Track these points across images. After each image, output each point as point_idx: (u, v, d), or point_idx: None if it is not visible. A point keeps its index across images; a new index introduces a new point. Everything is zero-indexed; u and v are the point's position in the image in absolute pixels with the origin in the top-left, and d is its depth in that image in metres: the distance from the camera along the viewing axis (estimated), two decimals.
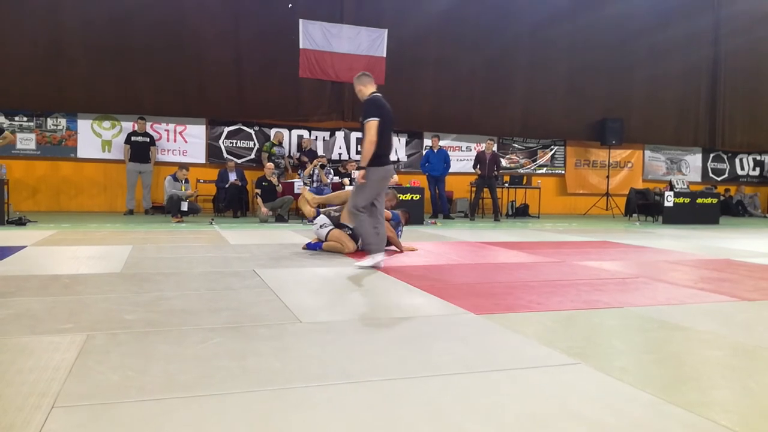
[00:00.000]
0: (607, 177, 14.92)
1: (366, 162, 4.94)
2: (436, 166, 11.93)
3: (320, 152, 12.44)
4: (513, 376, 2.30)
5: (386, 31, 12.54)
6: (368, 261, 5.03)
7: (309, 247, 6.14)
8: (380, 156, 4.95)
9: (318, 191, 10.24)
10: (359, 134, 13.25)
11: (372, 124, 4.88)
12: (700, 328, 3.15)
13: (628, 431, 1.81)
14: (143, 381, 2.15)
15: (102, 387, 2.08)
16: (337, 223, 6.05)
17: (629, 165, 15.65)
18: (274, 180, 10.46)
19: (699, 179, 16.12)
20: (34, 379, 2.14)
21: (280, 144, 12.18)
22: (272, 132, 12.49)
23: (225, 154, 12.37)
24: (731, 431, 1.81)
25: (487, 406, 1.98)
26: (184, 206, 9.75)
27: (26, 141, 11.35)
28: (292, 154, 12.58)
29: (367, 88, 5.17)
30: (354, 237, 5.95)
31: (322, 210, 6.22)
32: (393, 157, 13.15)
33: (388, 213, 5.97)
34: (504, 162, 14.00)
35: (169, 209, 9.86)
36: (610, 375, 2.32)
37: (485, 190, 12.03)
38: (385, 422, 1.84)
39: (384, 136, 4.95)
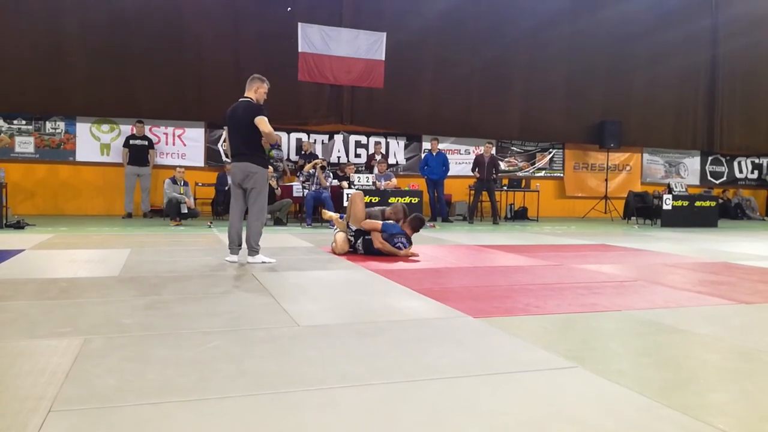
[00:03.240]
0: (606, 180, 14.93)
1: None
2: (435, 169, 11.93)
3: (319, 156, 12.42)
4: (511, 380, 2.30)
5: (385, 34, 12.53)
6: (228, 257, 5.44)
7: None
8: (231, 155, 5.46)
9: (317, 194, 10.23)
10: (358, 137, 13.29)
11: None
12: (698, 331, 3.15)
13: None
14: (141, 385, 2.15)
15: (99, 391, 2.08)
16: (356, 230, 6.18)
17: (628, 168, 15.66)
18: (273, 183, 10.45)
19: (697, 182, 16.12)
20: (31, 383, 2.13)
21: (279, 147, 12.18)
22: None
23: (224, 158, 12.35)
24: None
25: (485, 410, 1.98)
26: (184, 209, 9.75)
27: (25, 144, 11.34)
28: (290, 158, 12.58)
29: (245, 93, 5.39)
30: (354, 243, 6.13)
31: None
32: (392, 160, 13.18)
33: (377, 224, 6.08)
34: (503, 165, 14.00)
35: (168, 212, 9.85)
36: (607, 378, 2.32)
37: (484, 193, 12.02)
38: (383, 426, 1.84)
39: (230, 138, 5.44)
